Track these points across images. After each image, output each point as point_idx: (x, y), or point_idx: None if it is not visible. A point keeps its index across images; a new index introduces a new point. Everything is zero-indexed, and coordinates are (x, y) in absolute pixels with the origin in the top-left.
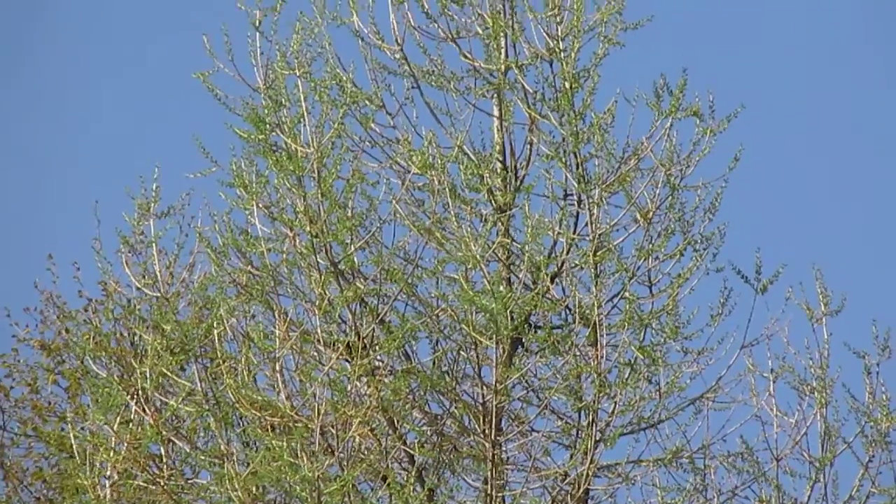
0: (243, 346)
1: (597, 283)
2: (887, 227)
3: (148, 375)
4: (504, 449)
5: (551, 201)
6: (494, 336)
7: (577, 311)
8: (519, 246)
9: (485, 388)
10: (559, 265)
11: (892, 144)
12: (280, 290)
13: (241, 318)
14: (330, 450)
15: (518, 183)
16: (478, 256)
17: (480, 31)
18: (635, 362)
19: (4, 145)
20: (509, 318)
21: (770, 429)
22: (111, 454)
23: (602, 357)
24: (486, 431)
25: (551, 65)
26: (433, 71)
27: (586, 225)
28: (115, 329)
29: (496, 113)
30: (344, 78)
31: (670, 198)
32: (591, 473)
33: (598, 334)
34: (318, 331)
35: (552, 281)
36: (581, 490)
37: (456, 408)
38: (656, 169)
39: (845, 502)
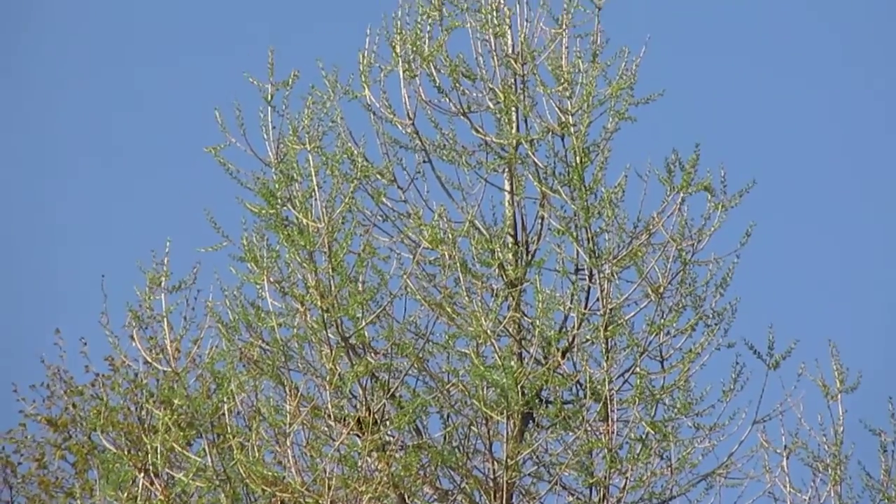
0: (253, 421)
1: (608, 358)
2: None
3: (158, 450)
4: None
5: (562, 276)
6: (505, 411)
7: (588, 386)
8: (530, 320)
9: (496, 463)
10: (570, 340)
11: None
12: (291, 365)
13: (251, 392)
14: None
15: (529, 257)
16: (489, 331)
17: (492, 106)
18: (647, 438)
19: (12, 218)
20: (520, 393)
21: None
22: None
23: (613, 432)
24: None
25: (562, 139)
26: (444, 145)
27: (597, 300)
28: (123, 403)
29: (507, 187)
30: (355, 152)
31: (682, 273)
32: None
33: (610, 409)
34: (329, 406)
35: (563, 356)
36: None
37: (467, 483)
38: (668, 244)
39: None
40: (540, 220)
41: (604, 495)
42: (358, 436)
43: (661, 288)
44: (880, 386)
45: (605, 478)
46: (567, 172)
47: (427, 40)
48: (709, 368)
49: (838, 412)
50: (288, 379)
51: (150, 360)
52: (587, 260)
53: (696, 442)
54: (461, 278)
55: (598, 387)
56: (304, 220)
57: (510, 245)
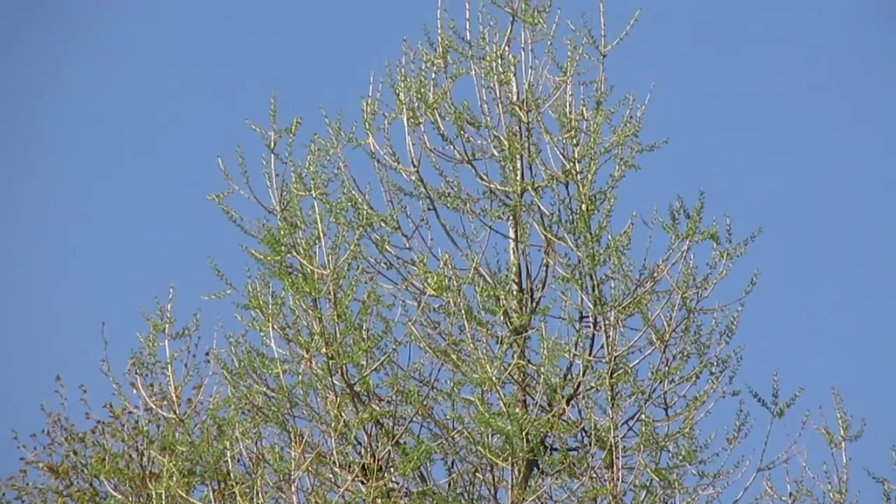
0: (258, 468)
1: (613, 405)
2: None
3: (163, 497)
4: None
5: (567, 323)
6: (510, 458)
7: (592, 433)
8: (535, 368)
9: None
10: (575, 387)
11: None
12: (295, 412)
13: (255, 439)
14: None
15: (534, 305)
16: (494, 378)
17: (496, 153)
18: (651, 485)
19: (12, 263)
20: (525, 440)
21: None
22: None
23: (618, 479)
24: None
25: (567, 187)
26: (449, 193)
27: (602, 347)
28: (124, 450)
29: (512, 235)
30: (359, 199)
31: (686, 320)
32: None
33: (614, 456)
34: (334, 452)
35: (568, 403)
36: None
37: None
38: (672, 291)
39: None
40: (545, 268)
41: None
42: (362, 482)
43: (666, 335)
44: (884, 434)
45: None
46: (572, 220)
47: (431, 87)
48: (713, 416)
49: (842, 460)
50: (293, 426)
51: (153, 406)
52: (592, 307)
53: (701, 489)
54: (466, 325)
55: (603, 434)
56: (309, 268)
57: (515, 292)
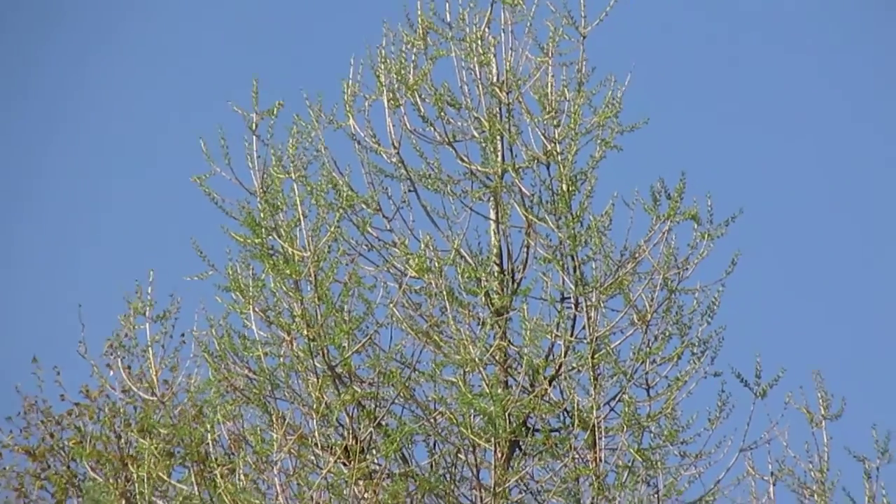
0: (238, 450)
1: (595, 385)
2: (887, 332)
3: (145, 479)
4: None
5: (549, 304)
6: (493, 439)
7: (575, 413)
8: (517, 349)
9: (483, 490)
10: (557, 368)
11: (889, 250)
12: (277, 394)
13: (236, 421)
14: None
15: (515, 286)
16: (476, 359)
17: (477, 135)
18: (633, 465)
19: None
20: (507, 421)
21: None
22: None
23: (600, 460)
24: None
25: (548, 167)
26: (430, 174)
27: (584, 328)
28: (101, 432)
29: (493, 216)
30: (340, 181)
31: (668, 301)
32: None
33: (597, 437)
34: (316, 434)
35: (550, 383)
36: None
37: None
38: (654, 272)
39: None
40: (526, 249)
41: None
42: (345, 464)
43: (648, 316)
44: (864, 413)
45: None
46: (553, 200)
47: (412, 69)
48: (695, 396)
49: (823, 439)
50: (275, 408)
51: (132, 387)
52: (573, 288)
53: (683, 469)
54: (447, 307)
55: (585, 414)
56: (290, 250)
57: (496, 273)
